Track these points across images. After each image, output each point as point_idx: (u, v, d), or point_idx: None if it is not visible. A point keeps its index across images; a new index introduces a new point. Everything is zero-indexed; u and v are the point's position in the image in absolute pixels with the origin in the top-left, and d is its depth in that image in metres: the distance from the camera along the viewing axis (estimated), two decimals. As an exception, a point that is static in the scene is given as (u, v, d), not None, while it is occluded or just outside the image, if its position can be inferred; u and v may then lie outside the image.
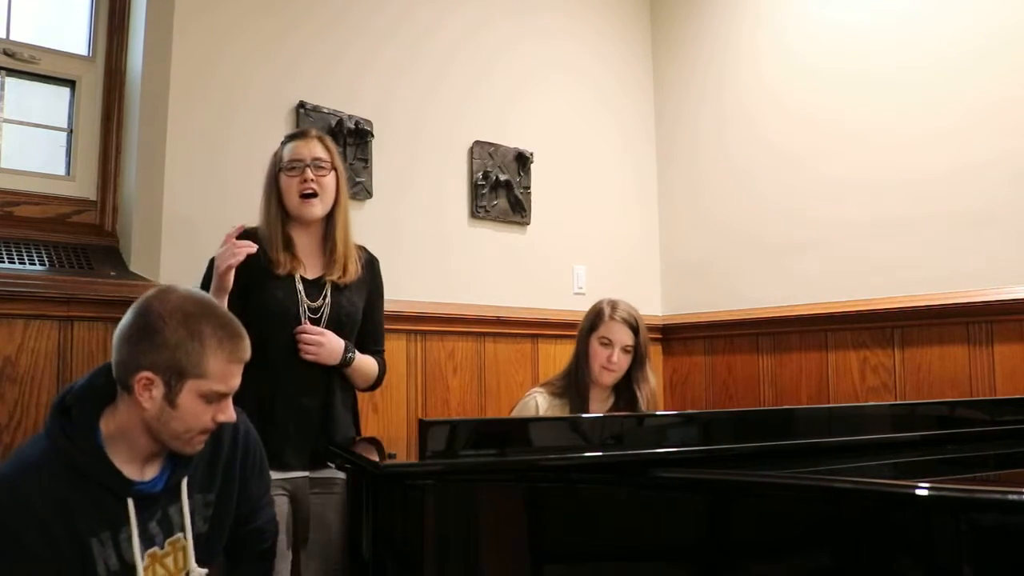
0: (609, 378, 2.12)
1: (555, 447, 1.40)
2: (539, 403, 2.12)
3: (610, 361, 2.09)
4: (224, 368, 1.28)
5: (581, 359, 2.14)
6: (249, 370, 1.70)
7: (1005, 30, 2.35)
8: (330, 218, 1.87)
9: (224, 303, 1.65)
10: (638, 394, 2.13)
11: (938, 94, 2.49)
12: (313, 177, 1.81)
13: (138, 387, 1.23)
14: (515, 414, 2.18)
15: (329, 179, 1.84)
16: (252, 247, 1.68)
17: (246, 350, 1.33)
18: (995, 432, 1.84)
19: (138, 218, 2.12)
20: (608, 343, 2.10)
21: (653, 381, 2.19)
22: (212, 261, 1.81)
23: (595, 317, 2.14)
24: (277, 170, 1.85)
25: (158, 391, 1.24)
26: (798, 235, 2.86)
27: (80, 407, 1.27)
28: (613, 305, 2.14)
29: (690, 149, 3.27)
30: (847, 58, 2.74)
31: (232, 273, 1.67)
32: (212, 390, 1.27)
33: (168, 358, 1.23)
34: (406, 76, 2.66)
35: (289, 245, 1.82)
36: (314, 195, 1.81)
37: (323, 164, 1.83)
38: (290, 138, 1.89)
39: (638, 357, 2.13)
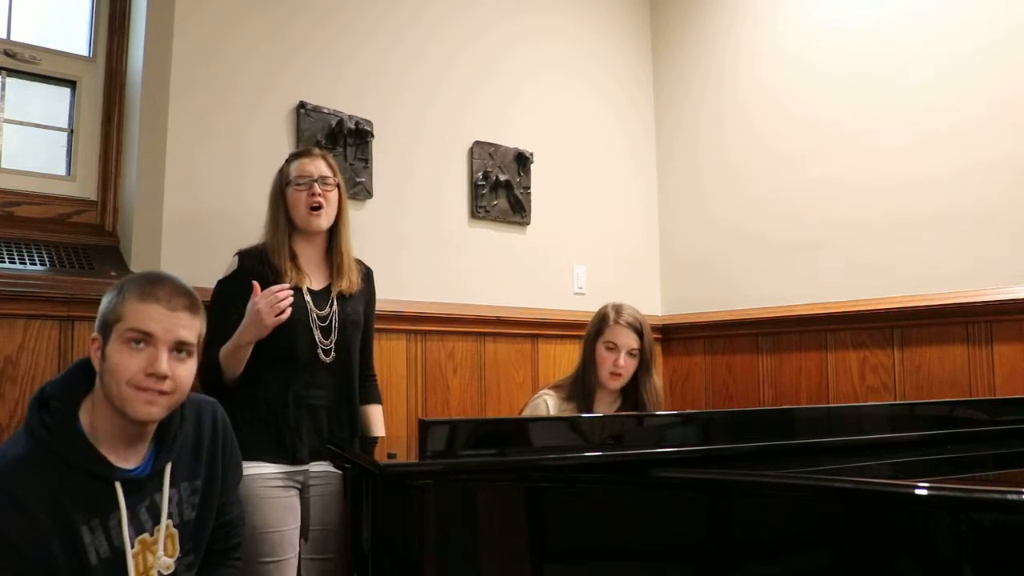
0: (616, 382, 2.14)
1: (555, 447, 1.40)
2: (549, 404, 2.13)
3: (616, 365, 2.10)
4: (137, 307, 1.29)
5: (588, 364, 2.15)
6: (269, 372, 1.83)
7: (1004, 32, 2.35)
8: (333, 231, 1.99)
9: (250, 350, 1.79)
10: (645, 397, 2.15)
11: (937, 95, 2.49)
12: (320, 191, 1.92)
13: (92, 352, 1.31)
14: (526, 414, 2.18)
15: (333, 195, 1.97)
16: (291, 294, 1.78)
17: (164, 292, 1.31)
18: (994, 432, 1.84)
19: (138, 218, 2.12)
20: (613, 347, 2.11)
21: (659, 384, 2.21)
22: (238, 255, 1.91)
23: (600, 322, 2.16)
24: (284, 185, 1.95)
25: (99, 349, 1.30)
26: (798, 235, 2.86)
27: (58, 399, 1.29)
28: (618, 309, 2.15)
29: (690, 149, 3.27)
30: (846, 59, 2.74)
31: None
32: (127, 328, 1.27)
33: (102, 317, 1.32)
34: (407, 76, 2.66)
35: (294, 258, 1.93)
36: (320, 208, 1.93)
37: (328, 181, 1.95)
38: (295, 156, 2.00)
39: (644, 361, 2.14)
